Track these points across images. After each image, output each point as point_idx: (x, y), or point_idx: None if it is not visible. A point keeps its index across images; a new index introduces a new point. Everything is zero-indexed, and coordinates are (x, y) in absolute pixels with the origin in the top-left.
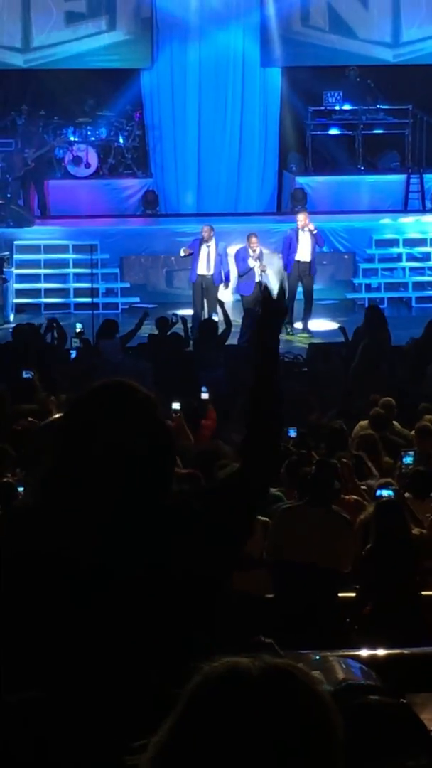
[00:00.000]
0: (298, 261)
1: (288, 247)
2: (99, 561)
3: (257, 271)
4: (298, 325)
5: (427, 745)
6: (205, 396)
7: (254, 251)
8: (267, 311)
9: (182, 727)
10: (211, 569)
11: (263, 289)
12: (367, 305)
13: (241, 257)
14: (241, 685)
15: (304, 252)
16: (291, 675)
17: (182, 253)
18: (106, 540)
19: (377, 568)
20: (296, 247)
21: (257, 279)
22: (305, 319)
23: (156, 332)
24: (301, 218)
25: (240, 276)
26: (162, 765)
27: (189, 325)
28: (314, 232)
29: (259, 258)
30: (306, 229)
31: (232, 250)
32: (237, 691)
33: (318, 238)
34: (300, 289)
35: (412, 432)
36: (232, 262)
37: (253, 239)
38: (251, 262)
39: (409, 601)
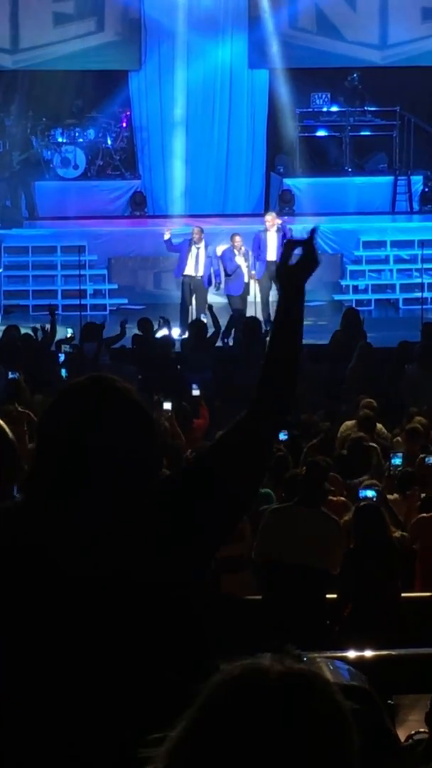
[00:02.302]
0: (269, 262)
1: (257, 249)
2: (78, 561)
3: (245, 270)
4: None
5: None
6: (196, 393)
7: (239, 250)
8: (309, 254)
9: (197, 725)
10: (204, 550)
11: (307, 237)
12: (354, 306)
13: (227, 257)
14: (258, 687)
15: (272, 252)
16: (310, 680)
17: (166, 236)
18: (85, 539)
19: (356, 570)
20: (266, 248)
21: (246, 279)
22: None
23: (140, 333)
24: (269, 219)
25: (228, 275)
26: (176, 760)
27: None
28: (279, 223)
29: (246, 256)
30: (273, 229)
31: (219, 251)
32: (254, 692)
33: (285, 231)
34: (273, 291)
35: (395, 436)
36: (221, 263)
37: (237, 238)
38: (239, 260)
39: (388, 603)
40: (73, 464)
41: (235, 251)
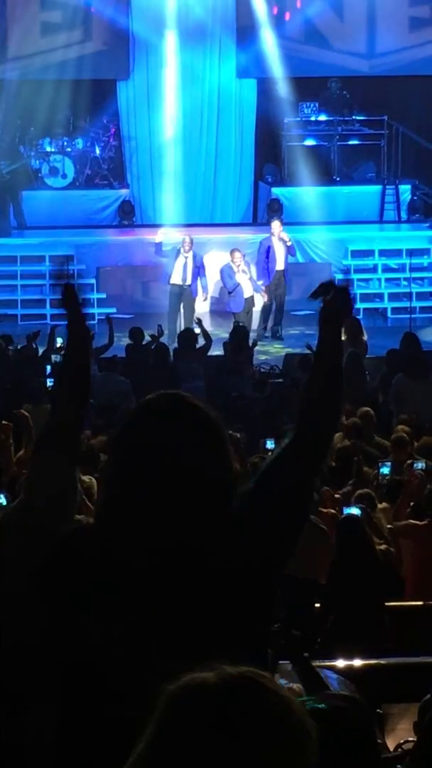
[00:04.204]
0: (277, 271)
1: (266, 255)
2: (162, 579)
3: (245, 286)
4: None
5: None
6: None
7: (239, 267)
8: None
9: (154, 750)
10: (269, 565)
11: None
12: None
13: (226, 274)
14: (204, 698)
15: (279, 261)
16: (253, 681)
17: (157, 239)
18: (169, 556)
19: (339, 581)
20: (274, 257)
21: (246, 295)
22: (275, 328)
23: (131, 343)
24: (276, 226)
25: (229, 293)
26: None
27: (165, 332)
28: (289, 243)
29: (247, 269)
30: (280, 238)
31: (207, 260)
32: (202, 705)
33: (291, 249)
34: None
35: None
36: (210, 274)
37: (237, 254)
38: (239, 277)
39: (370, 614)
40: (154, 485)
41: (235, 268)
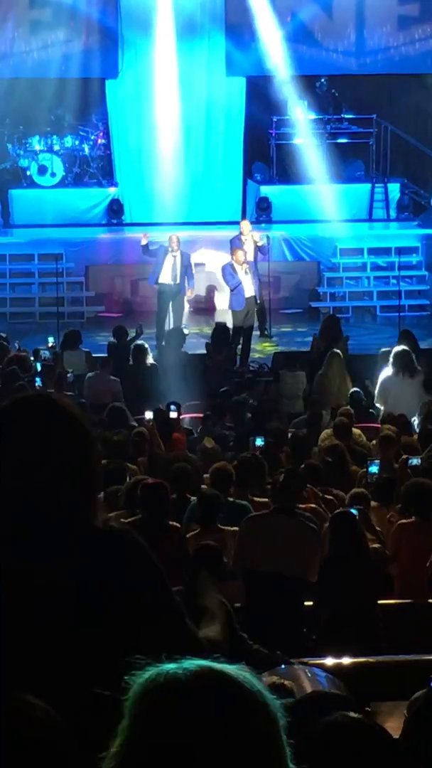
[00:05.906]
0: None
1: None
2: (15, 575)
3: (246, 285)
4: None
5: (391, 758)
6: (173, 414)
7: (241, 266)
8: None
9: (131, 740)
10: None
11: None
12: (332, 313)
13: (228, 272)
14: (175, 691)
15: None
16: (223, 674)
17: (143, 241)
18: (19, 554)
19: (332, 578)
20: None
21: (248, 295)
22: (262, 327)
23: (114, 341)
24: (245, 225)
25: (231, 290)
26: None
27: (153, 331)
28: (259, 244)
29: (247, 271)
30: (250, 238)
31: (195, 259)
32: (173, 697)
33: (263, 249)
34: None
35: (372, 442)
36: (196, 271)
37: (239, 253)
38: (241, 276)
39: (364, 612)
40: (10, 484)
41: (238, 267)
